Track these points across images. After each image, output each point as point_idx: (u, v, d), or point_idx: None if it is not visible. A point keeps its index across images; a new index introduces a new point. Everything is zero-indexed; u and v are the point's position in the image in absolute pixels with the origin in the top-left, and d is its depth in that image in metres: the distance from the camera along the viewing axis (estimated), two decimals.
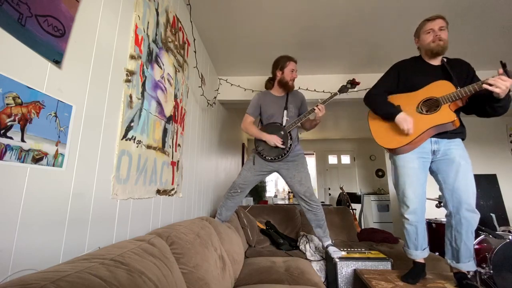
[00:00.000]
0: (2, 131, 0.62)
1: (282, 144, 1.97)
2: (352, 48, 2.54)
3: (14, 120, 0.64)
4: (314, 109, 1.95)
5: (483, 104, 1.37)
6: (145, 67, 1.27)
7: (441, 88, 1.43)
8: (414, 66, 1.59)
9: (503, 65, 1.25)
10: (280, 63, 2.08)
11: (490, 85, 1.24)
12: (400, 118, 1.48)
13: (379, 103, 1.62)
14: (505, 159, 4.19)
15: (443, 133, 1.46)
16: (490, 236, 2.27)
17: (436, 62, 1.54)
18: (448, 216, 1.47)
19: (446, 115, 1.41)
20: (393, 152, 1.57)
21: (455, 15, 2.01)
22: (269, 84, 2.22)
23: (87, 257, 0.70)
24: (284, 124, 2.04)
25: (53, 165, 0.75)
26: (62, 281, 0.54)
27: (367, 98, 1.70)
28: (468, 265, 1.41)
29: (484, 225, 2.46)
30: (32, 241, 0.69)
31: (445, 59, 1.50)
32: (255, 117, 2.16)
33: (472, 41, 2.32)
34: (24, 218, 0.67)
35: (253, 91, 3.07)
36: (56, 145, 0.76)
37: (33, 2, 0.70)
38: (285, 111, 2.08)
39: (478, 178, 4.04)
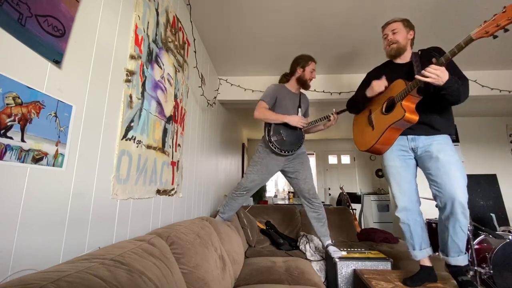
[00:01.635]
0: (2, 131, 0.62)
1: (301, 129, 2.01)
2: (352, 48, 2.54)
3: (14, 120, 0.64)
4: (329, 117, 2.02)
5: (437, 93, 1.35)
6: (145, 67, 1.27)
7: (396, 87, 1.48)
8: (382, 70, 1.66)
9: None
10: (302, 61, 2.07)
11: (424, 76, 1.25)
12: (368, 91, 1.60)
13: (352, 101, 1.80)
14: (505, 159, 4.19)
15: (418, 131, 1.47)
16: (490, 236, 2.27)
17: (403, 60, 1.57)
18: (438, 209, 1.46)
19: (397, 113, 1.42)
20: (371, 152, 1.63)
21: (450, 15, 2.01)
22: (285, 79, 2.20)
23: (87, 257, 0.70)
24: None
25: (53, 165, 0.75)
26: (62, 281, 0.54)
27: (347, 105, 1.87)
28: (457, 260, 1.38)
29: (484, 225, 2.46)
30: (32, 241, 0.69)
31: (419, 52, 1.53)
32: (269, 106, 2.07)
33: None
34: (24, 218, 0.67)
35: (253, 91, 3.07)
36: (56, 145, 0.76)
37: (33, 2, 0.70)
38: (299, 109, 2.12)
39: (478, 178, 4.08)
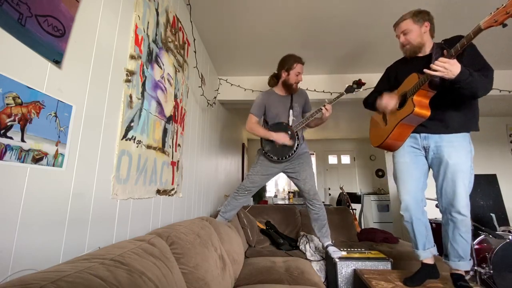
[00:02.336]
0: (2, 131, 0.62)
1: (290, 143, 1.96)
2: (353, 49, 2.54)
3: (14, 120, 0.64)
4: (321, 109, 1.95)
5: (451, 87, 1.27)
6: (145, 67, 1.27)
7: (410, 81, 1.41)
8: (401, 64, 1.61)
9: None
10: (286, 64, 2.00)
11: (433, 70, 1.20)
12: (378, 102, 1.56)
13: (370, 102, 1.72)
14: (505, 159, 4.19)
15: (431, 128, 1.42)
16: (490, 236, 2.27)
17: (423, 53, 1.48)
18: (440, 213, 1.46)
19: (407, 108, 1.37)
20: (383, 148, 1.60)
21: (451, 15, 2.01)
22: (273, 81, 2.16)
23: (87, 257, 0.70)
24: (290, 124, 2.04)
25: (53, 165, 0.75)
26: (62, 281, 0.54)
27: (364, 102, 1.81)
28: (457, 264, 1.38)
29: (484, 225, 2.46)
30: (32, 241, 0.69)
31: (442, 42, 1.43)
32: (260, 117, 2.11)
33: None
34: (24, 218, 0.67)
35: (253, 91, 3.07)
36: (56, 145, 0.76)
37: (33, 2, 0.70)
38: (291, 111, 2.07)
39: (478, 178, 4.06)
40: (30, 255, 0.68)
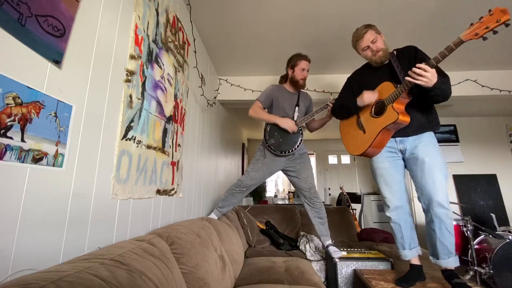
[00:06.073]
0: (2, 131, 0.62)
1: (294, 133, 1.97)
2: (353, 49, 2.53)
3: (14, 120, 0.64)
4: (328, 105, 1.98)
5: (424, 94, 1.36)
6: (145, 67, 1.27)
7: (384, 90, 1.49)
8: (363, 73, 1.69)
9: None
10: (291, 61, 2.07)
11: (414, 79, 1.27)
12: (359, 101, 1.58)
13: (340, 108, 1.76)
14: (505, 159, 4.18)
15: (406, 132, 1.48)
16: (490, 236, 2.27)
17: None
18: (424, 212, 1.48)
19: (390, 116, 1.43)
20: (364, 156, 1.63)
21: (449, 18, 2.01)
22: (282, 80, 2.22)
23: (87, 257, 0.70)
24: (295, 119, 2.07)
25: (53, 165, 0.75)
26: (62, 281, 0.54)
27: (332, 112, 1.88)
28: (448, 262, 1.39)
29: (484, 225, 2.46)
30: (32, 241, 0.69)
31: (395, 52, 1.56)
32: (265, 107, 2.12)
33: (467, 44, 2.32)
34: (24, 218, 0.67)
35: (253, 91, 3.07)
36: (56, 145, 0.76)
37: (33, 2, 0.69)
38: (297, 108, 2.11)
39: (478, 178, 4.08)
40: (30, 255, 0.68)
